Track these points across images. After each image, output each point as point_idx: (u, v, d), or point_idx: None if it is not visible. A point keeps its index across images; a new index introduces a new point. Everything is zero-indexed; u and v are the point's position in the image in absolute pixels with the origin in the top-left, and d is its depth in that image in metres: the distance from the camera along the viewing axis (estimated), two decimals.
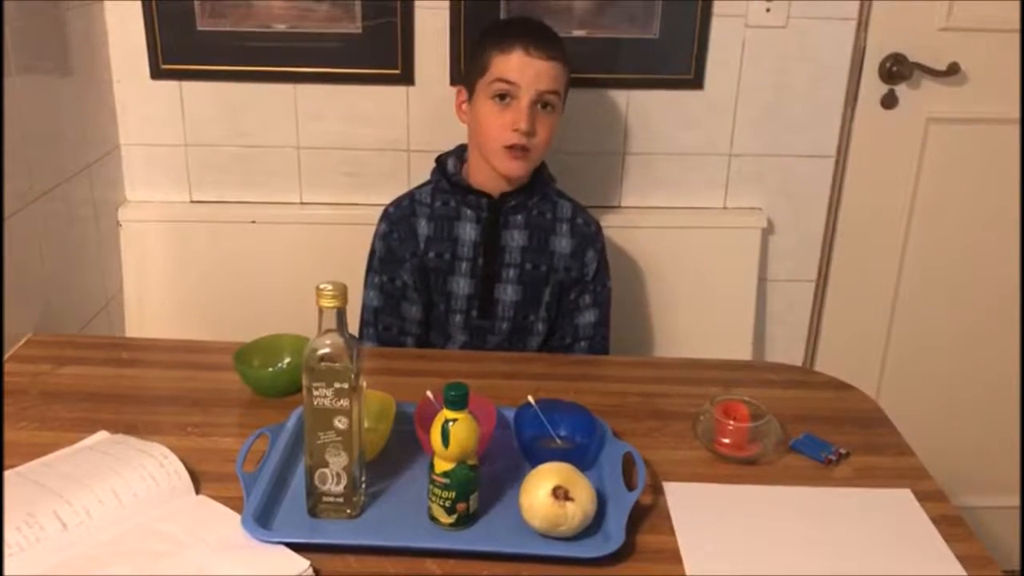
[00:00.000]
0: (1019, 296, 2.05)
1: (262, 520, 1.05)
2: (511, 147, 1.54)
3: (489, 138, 1.56)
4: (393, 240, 1.65)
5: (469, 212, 1.63)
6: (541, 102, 1.55)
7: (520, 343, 1.69)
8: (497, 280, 1.64)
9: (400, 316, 1.67)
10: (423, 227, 1.64)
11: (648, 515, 1.12)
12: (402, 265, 1.65)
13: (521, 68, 1.53)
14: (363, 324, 1.67)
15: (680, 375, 1.49)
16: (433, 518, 1.07)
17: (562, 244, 1.66)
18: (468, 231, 1.63)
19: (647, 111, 1.90)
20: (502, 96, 1.54)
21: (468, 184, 1.63)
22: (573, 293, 1.68)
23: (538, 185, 1.65)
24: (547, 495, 1.03)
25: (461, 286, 1.65)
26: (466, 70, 1.62)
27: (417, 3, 1.81)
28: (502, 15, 1.81)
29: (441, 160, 1.67)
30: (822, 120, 1.93)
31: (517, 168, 1.57)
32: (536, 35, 1.55)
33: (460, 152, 1.67)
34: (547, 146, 1.59)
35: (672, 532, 1.09)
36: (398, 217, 1.66)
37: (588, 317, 1.69)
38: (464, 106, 1.62)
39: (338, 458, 1.05)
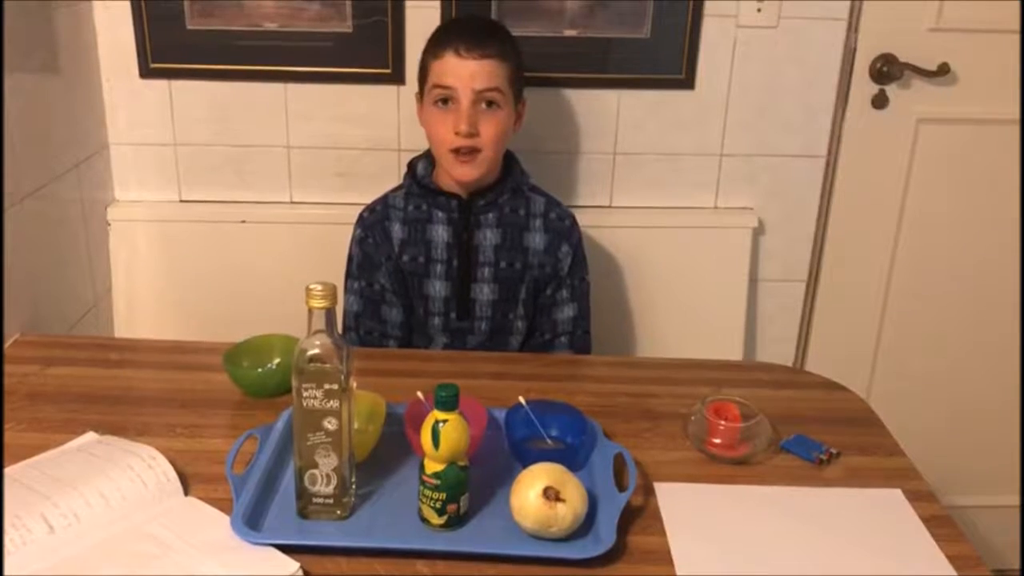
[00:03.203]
0: (1019, 296, 2.05)
1: (251, 522, 1.05)
2: (456, 150, 1.55)
3: (437, 143, 1.58)
4: (368, 245, 1.65)
5: (440, 214, 1.63)
6: (484, 101, 1.54)
7: (501, 343, 1.69)
8: (472, 280, 1.64)
9: (381, 320, 1.67)
10: (397, 230, 1.64)
11: (639, 516, 1.11)
12: (379, 269, 1.65)
13: (454, 71, 1.53)
14: (344, 329, 1.67)
15: (671, 375, 1.49)
16: (423, 519, 1.07)
17: (536, 240, 1.66)
18: (440, 233, 1.63)
19: (638, 111, 1.90)
20: (444, 100, 1.55)
21: (437, 187, 1.63)
22: (550, 289, 1.68)
23: (509, 182, 1.64)
24: (538, 496, 1.03)
25: (437, 288, 1.64)
26: (417, 76, 1.63)
27: (408, 2, 1.81)
28: (493, 15, 1.80)
29: (412, 163, 1.68)
30: (813, 120, 1.93)
31: (466, 173, 1.57)
32: (468, 35, 1.54)
33: (431, 155, 1.66)
34: (498, 143, 1.58)
35: (663, 533, 1.09)
36: (372, 222, 1.66)
37: (567, 312, 1.69)
38: (421, 113, 1.63)
39: (328, 459, 1.05)
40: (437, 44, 1.56)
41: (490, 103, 1.55)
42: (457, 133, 1.53)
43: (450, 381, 1.05)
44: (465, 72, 1.52)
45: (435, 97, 1.56)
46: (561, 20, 1.83)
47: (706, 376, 1.47)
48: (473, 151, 1.55)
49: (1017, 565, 2.21)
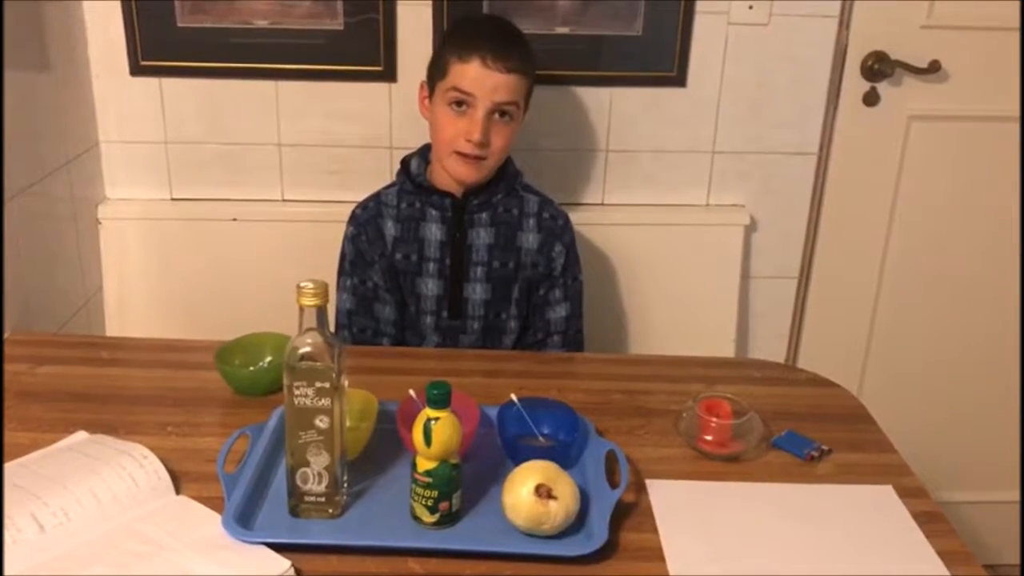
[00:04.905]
0: (1019, 293, 2.06)
1: (243, 520, 1.05)
2: (463, 154, 1.55)
3: (443, 141, 1.57)
4: (361, 242, 1.65)
5: (434, 212, 1.63)
6: (499, 111, 1.54)
7: (493, 342, 1.69)
8: (465, 279, 1.64)
9: (374, 317, 1.67)
10: (390, 228, 1.64)
11: (631, 513, 1.11)
12: (372, 267, 1.65)
13: (478, 80, 1.52)
14: (338, 327, 1.66)
15: (663, 372, 1.49)
16: (416, 517, 1.07)
17: (529, 239, 1.66)
18: (434, 231, 1.63)
19: (630, 108, 1.90)
20: (458, 103, 1.54)
21: (431, 185, 1.63)
22: (543, 288, 1.68)
23: (503, 181, 1.64)
24: (530, 493, 1.03)
25: (429, 287, 1.64)
26: (430, 65, 1.62)
27: (399, 0, 1.80)
28: (485, 12, 1.80)
29: (405, 161, 1.67)
30: (804, 117, 1.93)
31: (468, 174, 1.58)
32: (497, 45, 1.52)
33: (424, 152, 1.66)
34: (503, 153, 1.59)
35: (655, 530, 1.09)
36: (365, 219, 1.66)
37: (560, 311, 1.69)
38: (426, 101, 1.62)
39: (320, 457, 1.05)
40: (464, 46, 1.53)
41: (503, 114, 1.55)
42: (468, 140, 1.53)
43: (442, 379, 1.05)
44: (489, 83, 1.51)
45: (450, 99, 1.54)
46: (553, 17, 1.82)
47: (698, 373, 1.48)
48: (479, 158, 1.55)
49: (1008, 560, 2.22)
